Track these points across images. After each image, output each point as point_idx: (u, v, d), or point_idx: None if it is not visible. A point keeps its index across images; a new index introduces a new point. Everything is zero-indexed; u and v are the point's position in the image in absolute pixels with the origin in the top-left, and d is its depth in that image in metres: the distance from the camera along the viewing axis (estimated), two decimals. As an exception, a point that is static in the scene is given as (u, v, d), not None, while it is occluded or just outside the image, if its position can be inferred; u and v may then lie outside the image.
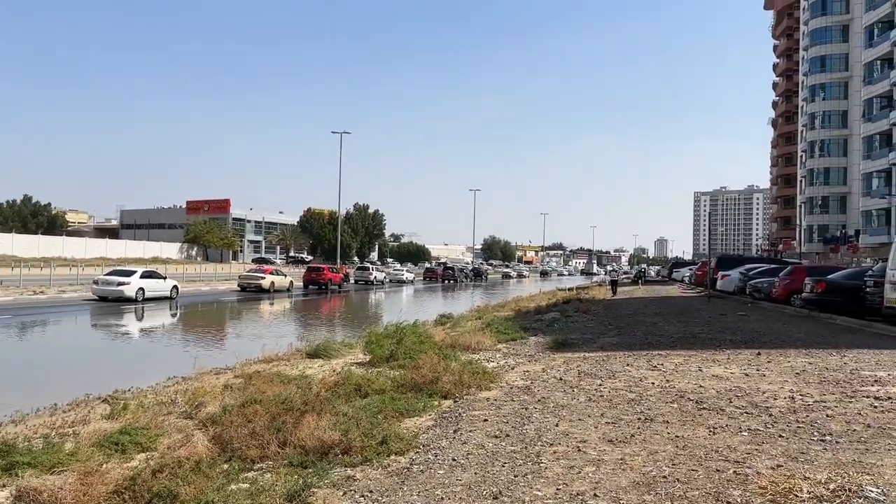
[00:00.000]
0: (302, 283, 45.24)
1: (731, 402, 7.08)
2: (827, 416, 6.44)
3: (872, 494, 4.15)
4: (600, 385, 8.09)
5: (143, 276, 29.72)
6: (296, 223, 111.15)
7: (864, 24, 60.12)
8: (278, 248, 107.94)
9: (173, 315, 26.39)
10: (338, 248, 71.28)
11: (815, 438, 5.62)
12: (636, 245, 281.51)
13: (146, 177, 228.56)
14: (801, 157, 78.27)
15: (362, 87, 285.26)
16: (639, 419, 6.32)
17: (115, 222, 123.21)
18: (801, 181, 78.26)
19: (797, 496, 4.11)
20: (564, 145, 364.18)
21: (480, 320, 18.85)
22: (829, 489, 4.23)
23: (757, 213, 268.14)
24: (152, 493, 4.40)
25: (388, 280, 62.08)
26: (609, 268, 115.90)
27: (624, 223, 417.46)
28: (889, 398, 7.22)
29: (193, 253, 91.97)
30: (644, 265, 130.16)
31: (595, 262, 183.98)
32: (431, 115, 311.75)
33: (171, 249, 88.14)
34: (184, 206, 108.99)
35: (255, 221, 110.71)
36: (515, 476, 4.68)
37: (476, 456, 5.19)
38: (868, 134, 58.67)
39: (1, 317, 21.62)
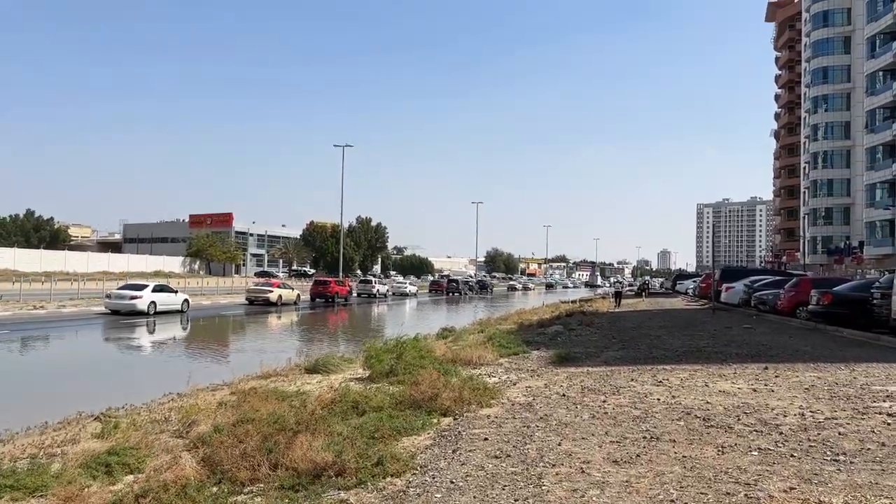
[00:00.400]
0: (309, 296, 45.54)
1: (739, 419, 6.86)
2: (839, 433, 6.22)
3: (892, 520, 3.94)
4: (604, 401, 7.87)
5: (154, 290, 30.02)
6: (298, 236, 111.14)
7: (865, 35, 60.07)
8: (281, 261, 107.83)
9: (184, 328, 26.59)
10: (340, 261, 71.02)
11: (829, 458, 5.40)
12: (639, 257, 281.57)
13: (149, 191, 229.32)
14: (805, 168, 78.08)
15: (365, 101, 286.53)
16: (644, 438, 6.11)
17: (118, 236, 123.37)
18: (804, 192, 78.01)
19: (813, 522, 3.90)
20: (567, 158, 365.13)
21: (482, 334, 18.62)
22: (846, 514, 4.01)
23: (760, 225, 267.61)
24: (135, 520, 4.20)
25: (391, 293, 61.82)
26: (612, 280, 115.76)
27: (627, 235, 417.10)
28: (903, 414, 7.00)
29: (196, 267, 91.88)
30: (647, 277, 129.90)
31: (598, 274, 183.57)
32: (434, 128, 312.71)
33: (173, 263, 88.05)
34: (187, 219, 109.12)
35: (258, 235, 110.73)
36: (516, 500, 4.47)
37: (475, 478, 4.98)
38: (871, 145, 58.45)
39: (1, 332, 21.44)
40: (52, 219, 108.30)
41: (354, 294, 55.37)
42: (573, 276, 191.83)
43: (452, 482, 4.89)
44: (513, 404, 7.86)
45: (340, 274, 67.34)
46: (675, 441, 5.97)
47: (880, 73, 57.21)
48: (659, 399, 7.98)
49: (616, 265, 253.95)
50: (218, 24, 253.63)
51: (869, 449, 5.66)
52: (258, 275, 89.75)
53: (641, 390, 8.65)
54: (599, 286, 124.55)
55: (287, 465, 5.13)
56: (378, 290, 57.67)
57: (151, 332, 24.70)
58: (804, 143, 78.43)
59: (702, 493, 4.50)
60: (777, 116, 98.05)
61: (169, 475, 4.96)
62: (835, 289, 20.21)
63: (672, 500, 4.37)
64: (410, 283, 75.20)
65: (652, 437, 6.11)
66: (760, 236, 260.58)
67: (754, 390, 8.60)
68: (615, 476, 4.95)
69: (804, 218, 76.07)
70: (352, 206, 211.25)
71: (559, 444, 5.91)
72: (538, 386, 9.27)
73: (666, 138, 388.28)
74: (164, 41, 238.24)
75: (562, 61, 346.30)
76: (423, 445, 6.08)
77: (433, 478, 5.01)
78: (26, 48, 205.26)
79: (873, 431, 6.29)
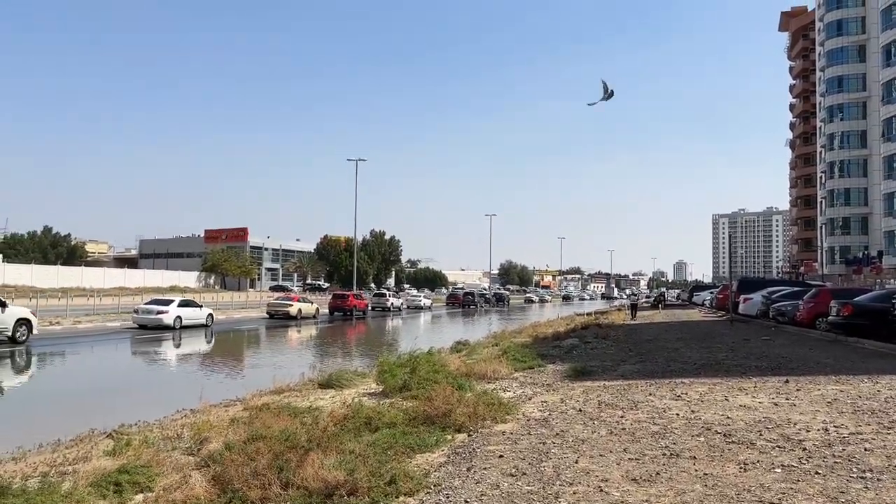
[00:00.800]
0: (328, 310, 46.14)
1: (761, 434, 6.69)
2: (865, 449, 6.04)
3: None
4: (622, 417, 7.72)
5: (180, 305, 30.85)
6: (312, 250, 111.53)
7: (881, 43, 59.72)
8: (295, 275, 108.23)
9: (208, 342, 27.09)
10: (354, 274, 71.08)
11: (855, 475, 5.23)
12: (655, 268, 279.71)
13: (165, 207, 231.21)
14: (821, 178, 77.46)
15: (378, 115, 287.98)
16: (664, 454, 5.96)
17: (134, 252, 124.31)
18: (821, 202, 77.34)
19: (842, 544, 3.75)
20: (580, 169, 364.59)
21: (497, 347, 18.47)
22: (876, 536, 3.86)
23: (776, 236, 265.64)
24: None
25: (405, 306, 61.84)
26: (628, 291, 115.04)
27: (642, 247, 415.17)
28: (930, 429, 6.80)
29: (211, 281, 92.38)
30: (663, 289, 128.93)
31: (614, 285, 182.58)
32: (447, 142, 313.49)
33: (189, 278, 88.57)
34: (202, 235, 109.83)
35: (273, 249, 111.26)
36: (532, 520, 4.35)
37: (490, 497, 4.86)
38: (888, 154, 57.94)
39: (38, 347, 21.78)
40: (69, 235, 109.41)
41: (369, 307, 55.44)
42: (588, 287, 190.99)
43: (467, 502, 4.77)
44: (528, 420, 7.73)
45: (354, 287, 67.40)
46: (695, 458, 5.82)
47: (896, 82, 56.81)
48: (678, 414, 7.82)
49: (632, 277, 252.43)
50: (230, 40, 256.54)
51: (897, 466, 5.49)
52: (273, 289, 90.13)
53: (660, 405, 8.48)
54: (616, 298, 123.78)
55: (298, 484, 5.03)
56: (392, 304, 57.69)
57: (177, 345, 25.22)
58: (820, 152, 77.84)
59: (725, 513, 4.36)
60: (792, 126, 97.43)
61: (178, 495, 4.88)
62: (855, 299, 19.91)
63: (694, 521, 4.24)
64: (425, 297, 75.07)
65: (671, 454, 5.96)
66: (777, 247, 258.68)
67: (775, 404, 8.41)
68: (634, 495, 4.82)
69: (821, 228, 75.36)
70: (366, 220, 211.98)
71: (576, 462, 5.77)
72: (554, 401, 9.12)
73: (680, 149, 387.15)
74: (179, 58, 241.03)
75: (574, 73, 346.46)
76: (436, 463, 5.97)
77: (447, 497, 4.90)
78: (44, 64, 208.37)
79: (901, 447, 6.11)
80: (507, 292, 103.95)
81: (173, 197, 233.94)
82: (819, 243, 76.30)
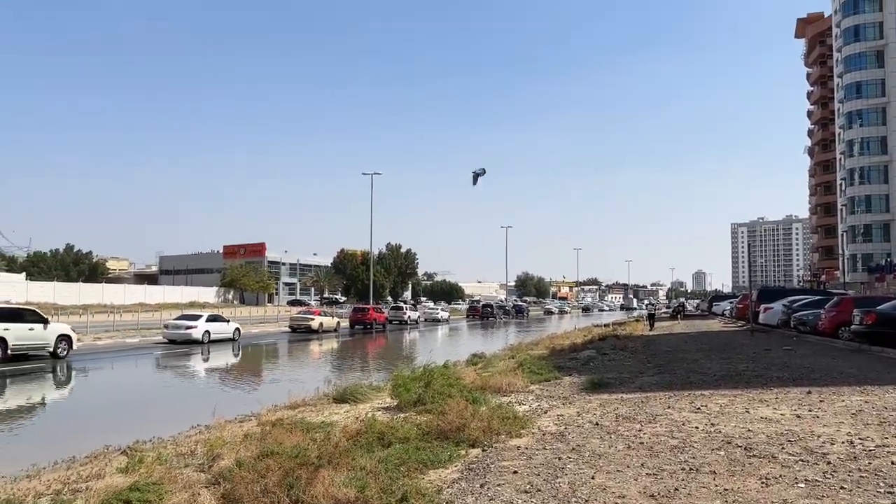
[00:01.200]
0: (348, 323, 47.05)
1: (783, 448, 6.52)
2: (892, 463, 5.86)
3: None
4: (640, 430, 7.56)
5: (208, 320, 31.51)
6: (329, 265, 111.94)
7: (899, 48, 59.11)
8: (312, 289, 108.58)
9: (235, 355, 27.76)
10: (370, 288, 71.22)
11: (882, 490, 5.06)
12: (674, 279, 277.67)
13: (184, 223, 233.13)
14: (841, 185, 76.62)
15: (392, 128, 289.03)
16: (683, 469, 5.81)
17: (154, 268, 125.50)
18: (841, 209, 76.46)
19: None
20: (596, 180, 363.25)
21: (513, 360, 18.32)
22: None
23: (797, 244, 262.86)
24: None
25: (422, 319, 61.96)
26: (646, 302, 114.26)
27: (660, 257, 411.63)
28: (960, 441, 6.59)
29: (230, 297, 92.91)
30: (682, 299, 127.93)
31: (632, 296, 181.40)
32: (462, 154, 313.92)
33: (208, 294, 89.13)
34: (221, 250, 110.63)
35: (290, 264, 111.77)
36: (546, 539, 4.23)
37: (503, 515, 4.75)
38: (910, 159, 57.19)
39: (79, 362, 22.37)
40: (90, 252, 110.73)
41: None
42: (606, 298, 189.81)
43: (480, 519, 4.66)
44: (544, 434, 7.60)
45: (371, 301, 67.51)
46: (715, 472, 5.67)
47: (917, 87, 56.17)
48: (697, 427, 7.64)
49: (650, 287, 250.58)
50: (248, 58, 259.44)
51: (926, 480, 5.30)
52: (291, 303, 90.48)
53: (679, 418, 8.31)
54: (635, 308, 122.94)
55: (307, 502, 4.95)
56: (409, 317, 57.89)
57: (205, 359, 25.74)
58: (839, 159, 77.04)
59: (746, 531, 4.22)
60: (810, 133, 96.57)
61: (187, 513, 4.81)
62: (878, 308, 19.52)
63: (714, 539, 4.10)
64: (442, 309, 75.29)
65: (691, 469, 5.81)
66: (797, 255, 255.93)
67: (798, 416, 8.21)
68: (652, 512, 4.68)
69: (842, 235, 74.46)
70: (382, 233, 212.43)
71: (592, 478, 5.64)
72: (570, 414, 8.98)
73: (697, 158, 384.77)
74: (196, 77, 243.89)
75: (589, 85, 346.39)
76: (449, 479, 5.86)
77: (460, 515, 4.79)
78: (65, 85, 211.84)
79: (929, 460, 5.92)
80: (527, 304, 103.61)
81: (192, 213, 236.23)
82: (840, 251, 75.36)
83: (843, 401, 9.38)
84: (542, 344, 26.57)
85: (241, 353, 28.55)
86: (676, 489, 5.21)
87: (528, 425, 8.05)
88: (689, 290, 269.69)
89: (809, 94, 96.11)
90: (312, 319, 41.87)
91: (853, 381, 11.63)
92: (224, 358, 26.37)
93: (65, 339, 22.46)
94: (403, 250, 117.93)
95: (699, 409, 8.97)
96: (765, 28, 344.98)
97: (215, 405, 11.70)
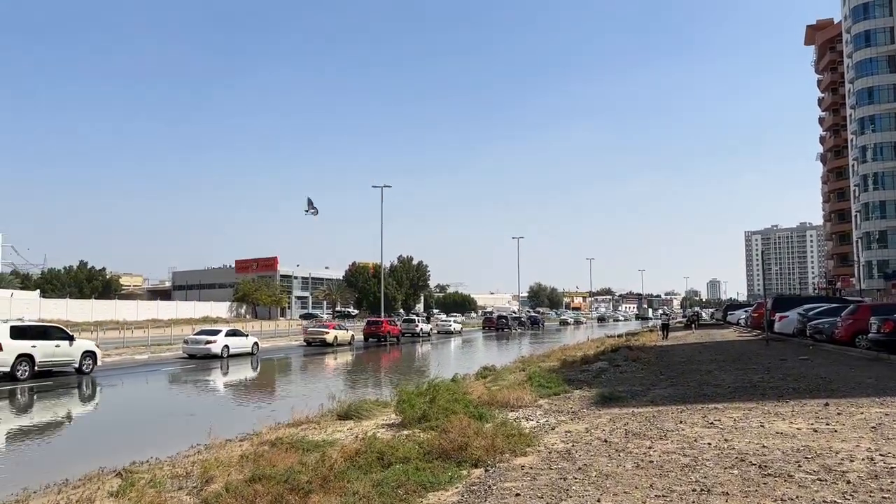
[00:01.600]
0: (362, 336, 47.20)
1: (800, 465, 6.21)
2: (916, 481, 5.54)
3: None
4: (650, 448, 7.27)
5: (227, 335, 31.92)
6: (341, 278, 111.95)
7: (911, 52, 58.58)
8: (325, 303, 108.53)
9: (254, 369, 27.99)
10: (381, 301, 71.09)
11: (906, 512, 4.76)
12: (688, 287, 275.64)
13: (197, 238, 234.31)
14: (855, 191, 75.82)
15: (403, 141, 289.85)
16: (693, 490, 5.52)
17: (167, 284, 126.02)
18: (855, 216, 75.61)
19: None
20: (608, 190, 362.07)
21: (523, 372, 18.03)
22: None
23: (811, 251, 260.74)
24: None
25: (434, 332, 61.89)
26: (660, 311, 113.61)
27: (674, 266, 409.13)
28: None
29: (243, 311, 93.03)
30: (697, 308, 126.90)
31: (646, 305, 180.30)
32: (473, 166, 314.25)
33: (220, 308, 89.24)
34: (233, 265, 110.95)
35: (302, 278, 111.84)
36: (546, 570, 3.96)
37: (502, 542, 4.49)
38: (925, 164, 56.49)
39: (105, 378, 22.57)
40: (103, 269, 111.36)
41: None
42: (619, 308, 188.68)
43: (477, 548, 4.40)
44: (550, 452, 7.32)
45: (382, 314, 67.39)
46: (727, 493, 5.38)
47: (930, 90, 55.55)
48: (710, 444, 7.34)
49: (664, 296, 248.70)
50: (260, 71, 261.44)
51: (953, 500, 4.99)
52: (303, 317, 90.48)
53: (691, 434, 8.01)
54: (650, 318, 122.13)
55: (297, 530, 4.70)
56: (422, 329, 57.81)
57: (224, 373, 25.89)
58: (853, 165, 76.29)
59: (760, 560, 3.94)
60: (822, 140, 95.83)
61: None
62: (896, 315, 19.10)
63: (726, 569, 3.82)
64: (455, 321, 75.41)
65: (702, 490, 5.52)
66: (812, 263, 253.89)
67: (815, 431, 7.89)
68: (660, 538, 4.41)
69: (857, 242, 73.60)
70: (394, 246, 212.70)
71: (598, 501, 5.36)
72: (578, 430, 8.69)
73: (710, 167, 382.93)
74: (207, 91, 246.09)
75: (601, 94, 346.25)
76: (449, 502, 5.60)
77: (456, 542, 4.54)
78: (77, 106, 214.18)
79: (955, 478, 5.60)
80: (542, 315, 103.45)
81: (205, 228, 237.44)
82: (855, 258, 74.46)
83: (862, 413, 9.04)
84: (553, 356, 26.22)
85: (259, 367, 28.68)
86: (687, 512, 4.93)
87: (533, 443, 7.77)
88: (703, 299, 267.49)
89: (820, 101, 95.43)
90: (327, 333, 42.20)
91: (872, 391, 11.28)
92: (242, 372, 26.50)
93: (89, 355, 22.95)
94: (415, 263, 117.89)
95: (712, 423, 8.67)
96: (775, 35, 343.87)
97: (219, 423, 11.55)
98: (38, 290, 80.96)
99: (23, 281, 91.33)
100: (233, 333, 32.83)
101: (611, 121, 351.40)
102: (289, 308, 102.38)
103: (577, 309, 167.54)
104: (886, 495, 5.17)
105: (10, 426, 14.30)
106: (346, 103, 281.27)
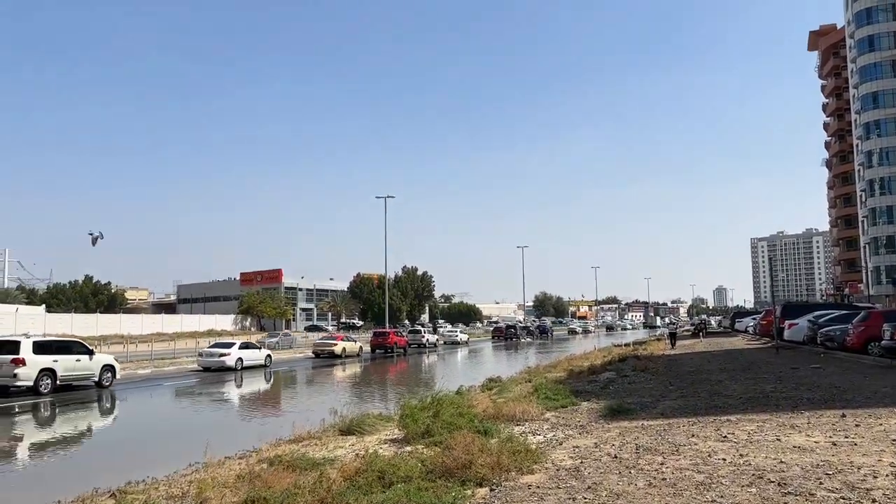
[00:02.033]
0: (369, 348, 47.76)
1: (820, 482, 5.91)
2: (946, 499, 5.25)
3: None
4: (662, 464, 6.97)
5: (241, 347, 32.64)
6: (346, 289, 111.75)
7: (916, 56, 58.30)
8: (330, 314, 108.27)
9: (267, 381, 28.34)
10: (386, 312, 70.89)
11: (939, 534, 4.46)
12: (694, 295, 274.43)
13: (202, 251, 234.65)
14: (861, 196, 75.37)
15: (407, 149, 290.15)
16: (710, 511, 5.23)
17: (172, 297, 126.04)
18: (862, 221, 75.13)
19: None
20: (613, 198, 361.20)
21: (530, 384, 17.73)
22: None
23: (818, 258, 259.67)
24: None
25: (440, 342, 61.90)
26: (667, 320, 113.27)
27: (680, 273, 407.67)
28: None
29: (247, 324, 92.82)
30: (704, 316, 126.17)
31: (653, 314, 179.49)
32: (476, 173, 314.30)
33: (225, 321, 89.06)
34: (238, 277, 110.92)
35: (307, 289, 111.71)
36: None
37: (508, 571, 4.21)
38: (932, 168, 56.08)
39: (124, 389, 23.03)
40: (109, 283, 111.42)
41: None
42: (626, 317, 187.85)
43: (481, 577, 4.13)
44: (558, 469, 7.02)
45: (387, 325, 67.18)
46: (747, 514, 5.09)
47: (935, 94, 55.22)
48: (725, 459, 7.04)
49: (670, 304, 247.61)
50: (257, 82, 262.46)
51: None
52: (308, 329, 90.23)
53: (704, 448, 7.71)
54: (658, 326, 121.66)
55: (291, 559, 4.43)
56: (428, 340, 57.78)
57: (238, 386, 26.24)
58: (858, 170, 75.89)
59: (787, 590, 3.65)
60: (827, 145, 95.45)
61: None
62: (909, 322, 18.75)
63: None
64: (461, 332, 75.64)
65: (719, 510, 5.23)
66: (819, 269, 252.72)
67: (834, 444, 7.58)
68: (677, 565, 4.12)
69: (865, 247, 73.10)
70: (398, 256, 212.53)
71: (609, 523, 5.08)
72: (587, 445, 8.39)
73: (714, 173, 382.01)
74: (211, 102, 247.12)
75: (604, 101, 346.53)
76: (452, 525, 5.32)
77: (459, 571, 4.26)
78: (81, 117, 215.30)
79: None
80: (550, 324, 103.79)
81: (210, 242, 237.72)
82: (863, 263, 73.93)
83: (882, 425, 8.73)
84: (560, 366, 25.91)
85: (272, 379, 28.99)
86: (704, 536, 4.64)
87: (541, 459, 7.48)
88: (710, 307, 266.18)
89: (825, 107, 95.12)
90: (335, 345, 42.69)
91: (889, 401, 10.95)
92: (255, 385, 26.79)
93: (109, 369, 23.58)
94: (420, 273, 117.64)
95: (726, 437, 8.36)
96: (778, 41, 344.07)
97: (224, 438, 11.38)
98: (44, 305, 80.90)
99: (28, 296, 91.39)
100: (246, 346, 33.50)
101: (615, 129, 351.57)
102: (294, 320, 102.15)
103: (584, 318, 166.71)
104: (916, 515, 4.88)
105: (18, 442, 14.40)
106: (352, 114, 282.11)
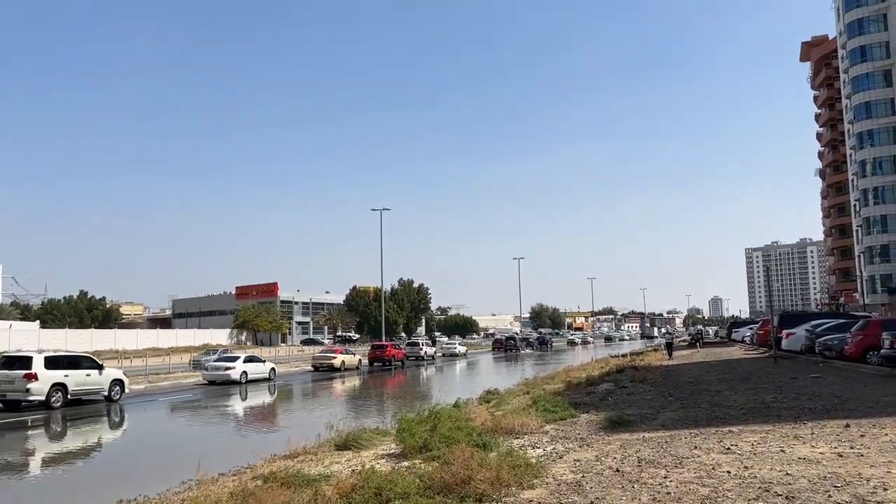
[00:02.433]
0: (367, 360, 47.90)
1: (829, 496, 5.75)
2: (959, 511, 5.10)
3: None
4: (665, 477, 6.81)
5: (245, 361, 33.11)
6: (342, 302, 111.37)
7: (908, 66, 58.63)
8: (326, 328, 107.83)
9: (272, 394, 28.55)
10: (382, 324, 70.64)
11: (955, 548, 4.32)
12: (690, 306, 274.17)
13: (196, 266, 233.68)
14: (855, 205, 75.55)
15: (402, 161, 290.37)
16: (718, 526, 5.07)
17: (168, 312, 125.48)
18: (857, 230, 75.28)
19: None
20: (608, 208, 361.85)
21: (528, 395, 17.57)
22: None
23: (812, 267, 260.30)
24: None
25: (438, 354, 61.88)
26: (664, 330, 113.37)
27: (675, 284, 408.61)
28: None
29: (243, 338, 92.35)
30: (700, 326, 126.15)
31: (649, 325, 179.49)
32: (472, 186, 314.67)
33: (220, 335, 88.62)
34: (233, 291, 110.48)
35: (303, 303, 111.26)
36: None
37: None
38: (926, 176, 56.25)
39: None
40: (104, 298, 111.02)
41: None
42: (622, 327, 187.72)
43: None
44: (559, 484, 6.86)
45: (384, 337, 66.91)
46: (756, 529, 4.94)
47: (928, 103, 55.49)
48: (729, 472, 6.88)
49: (666, 315, 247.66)
50: (256, 94, 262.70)
51: None
52: (304, 342, 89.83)
53: (707, 460, 7.55)
54: (655, 337, 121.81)
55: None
56: (425, 352, 57.57)
57: (244, 398, 26.56)
58: (852, 180, 76.13)
59: None
60: (821, 155, 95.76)
61: None
62: (909, 330, 18.64)
63: None
64: (459, 344, 75.93)
65: (727, 525, 5.08)
66: (814, 278, 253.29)
67: (840, 455, 7.43)
68: (687, 585, 3.96)
69: (859, 257, 73.19)
70: (394, 269, 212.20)
71: (614, 539, 4.92)
72: (588, 459, 8.23)
73: (709, 184, 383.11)
74: (205, 114, 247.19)
75: (599, 113, 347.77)
76: (452, 544, 5.15)
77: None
78: (71, 130, 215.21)
79: None
80: (550, 335, 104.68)
81: (205, 256, 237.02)
82: (858, 273, 73.99)
83: (887, 435, 8.59)
84: (557, 377, 25.73)
85: (276, 393, 29.10)
86: (713, 553, 4.49)
87: (541, 473, 7.32)
88: (706, 317, 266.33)
89: (818, 117, 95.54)
90: (334, 358, 42.83)
91: (892, 410, 10.82)
92: (259, 398, 27.04)
93: (118, 383, 23.98)
94: (416, 285, 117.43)
95: (729, 448, 8.20)
96: (772, 52, 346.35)
97: (222, 452, 11.15)
98: (38, 321, 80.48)
99: (22, 311, 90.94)
100: (251, 360, 33.94)
101: (609, 140, 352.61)
102: (289, 334, 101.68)
103: (580, 329, 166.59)
104: (930, 529, 4.73)
105: (25, 457, 14.41)
106: (346, 128, 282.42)
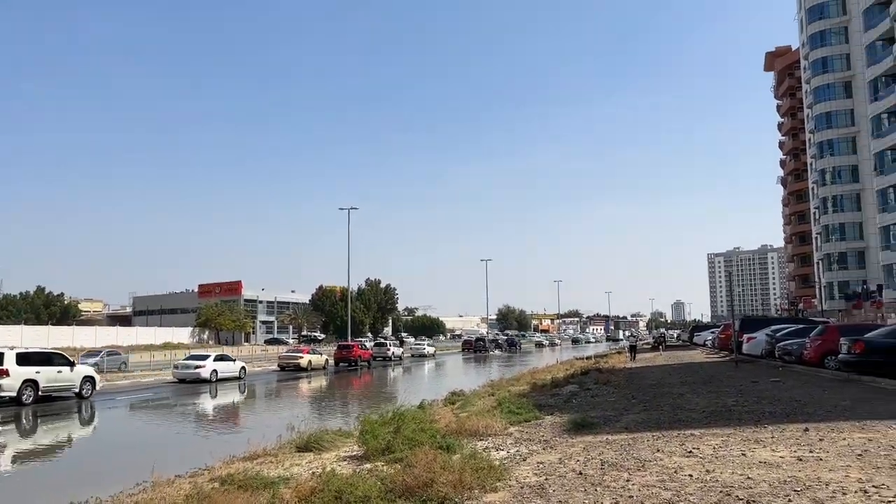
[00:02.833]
0: (333, 361, 47.64)
1: (790, 500, 5.77)
2: (916, 516, 5.15)
3: None
4: (628, 480, 6.78)
5: (215, 360, 33.36)
6: (307, 302, 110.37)
7: (867, 78, 60.07)
8: (291, 327, 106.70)
9: (242, 393, 28.75)
10: (349, 324, 70.20)
11: (913, 553, 4.34)
12: (653, 309, 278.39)
13: (159, 262, 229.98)
14: (815, 213, 77.20)
15: (371, 162, 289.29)
16: (680, 531, 5.05)
17: (128, 309, 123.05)
18: (816, 238, 76.94)
19: None
20: (574, 212, 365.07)
21: (493, 397, 17.54)
22: None
23: (773, 273, 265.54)
24: None
25: (406, 355, 62.06)
26: (628, 333, 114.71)
27: (639, 288, 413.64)
28: (984, 486, 5.91)
29: (205, 337, 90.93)
30: (663, 330, 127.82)
31: (613, 327, 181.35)
32: (438, 187, 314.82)
33: (182, 334, 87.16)
34: (196, 289, 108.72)
35: (268, 302, 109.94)
36: None
37: None
38: (882, 187, 57.67)
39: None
40: (62, 294, 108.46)
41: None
42: (587, 330, 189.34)
43: None
44: (522, 487, 6.79)
45: (349, 338, 66.47)
46: (717, 534, 4.92)
47: (885, 115, 56.89)
48: (691, 475, 6.88)
49: (630, 318, 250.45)
50: (226, 93, 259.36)
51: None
52: (268, 342, 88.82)
53: (670, 464, 7.55)
54: (620, 340, 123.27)
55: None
56: (393, 353, 57.47)
57: (213, 396, 26.85)
58: (812, 188, 77.78)
59: None
60: (783, 163, 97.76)
61: None
62: (866, 336, 19.03)
63: None
64: (428, 344, 76.24)
65: (689, 529, 5.05)
66: (774, 284, 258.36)
67: (799, 459, 7.49)
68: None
69: (818, 264, 74.81)
70: (362, 269, 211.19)
71: (577, 544, 4.86)
72: (551, 461, 8.18)
73: (672, 190, 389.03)
74: (170, 113, 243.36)
75: (566, 121, 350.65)
76: (412, 549, 5.05)
77: None
78: (36, 122, 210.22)
79: (956, 511, 5.22)
80: (519, 337, 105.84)
81: (167, 252, 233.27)
82: (816, 279, 75.61)
83: (845, 439, 8.69)
84: (523, 379, 25.76)
85: (245, 391, 29.22)
86: (675, 558, 4.45)
87: (504, 476, 7.24)
88: (668, 320, 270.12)
89: (780, 126, 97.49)
90: (301, 357, 42.76)
91: (850, 415, 10.98)
92: (228, 397, 27.14)
93: (89, 380, 24.19)
94: (383, 286, 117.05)
95: (691, 451, 8.23)
96: (737, 61, 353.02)
97: (181, 453, 10.88)
98: (-8, 317, 78.34)
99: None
100: (221, 358, 34.18)
101: (576, 146, 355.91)
102: (253, 333, 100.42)
103: (546, 331, 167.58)
104: (888, 533, 4.76)
105: None
106: (314, 126, 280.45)
